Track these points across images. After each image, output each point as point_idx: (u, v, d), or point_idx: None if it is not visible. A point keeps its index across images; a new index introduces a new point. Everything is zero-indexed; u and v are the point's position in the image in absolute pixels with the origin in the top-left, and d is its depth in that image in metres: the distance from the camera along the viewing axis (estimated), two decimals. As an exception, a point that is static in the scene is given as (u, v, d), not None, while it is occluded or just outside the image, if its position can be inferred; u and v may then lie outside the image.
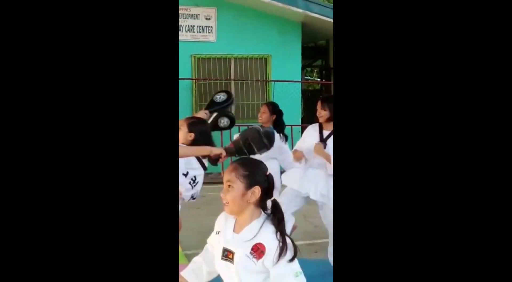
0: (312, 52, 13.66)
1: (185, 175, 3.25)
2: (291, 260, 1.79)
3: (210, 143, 3.22)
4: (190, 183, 3.28)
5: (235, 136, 3.28)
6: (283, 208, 1.98)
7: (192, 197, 3.33)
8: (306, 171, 3.87)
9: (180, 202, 3.22)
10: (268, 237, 1.80)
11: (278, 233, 1.80)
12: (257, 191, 1.82)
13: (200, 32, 9.21)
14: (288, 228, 3.59)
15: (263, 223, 1.84)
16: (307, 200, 3.93)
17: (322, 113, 3.84)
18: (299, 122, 9.33)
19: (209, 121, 3.70)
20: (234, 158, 3.33)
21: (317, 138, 3.82)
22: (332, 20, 9.12)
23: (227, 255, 1.85)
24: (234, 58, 9.47)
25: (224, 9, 9.22)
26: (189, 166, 3.26)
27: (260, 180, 1.85)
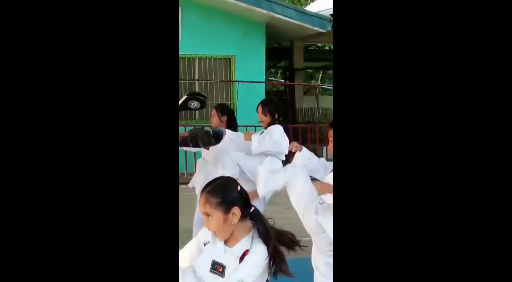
0: (276, 53, 13.71)
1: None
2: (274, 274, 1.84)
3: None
4: None
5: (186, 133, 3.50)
6: None
7: None
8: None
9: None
10: (258, 251, 1.82)
11: (267, 247, 1.83)
12: (236, 211, 1.83)
13: (164, 31, 9.12)
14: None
15: (253, 237, 1.85)
16: None
17: (263, 118, 3.86)
18: (263, 122, 9.36)
19: (179, 102, 3.86)
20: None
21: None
22: (295, 22, 9.22)
23: (217, 268, 1.85)
24: (198, 58, 9.44)
25: (188, 9, 9.17)
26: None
27: (235, 199, 1.85)
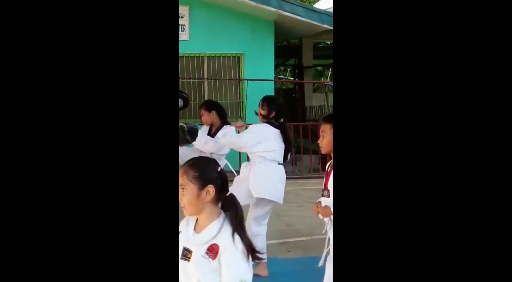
0: (285, 51, 13.70)
1: None
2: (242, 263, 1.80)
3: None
4: None
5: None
6: None
7: None
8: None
9: None
10: (226, 238, 1.81)
11: (236, 234, 1.80)
12: (211, 190, 1.82)
13: (172, 30, 9.14)
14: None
15: (222, 224, 1.84)
16: None
17: (261, 112, 3.88)
18: (272, 121, 9.37)
19: None
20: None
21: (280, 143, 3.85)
22: (304, 19, 9.20)
23: (186, 254, 1.85)
24: (207, 56, 9.44)
25: (197, 7, 9.18)
26: None
27: (212, 178, 1.85)
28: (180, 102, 3.98)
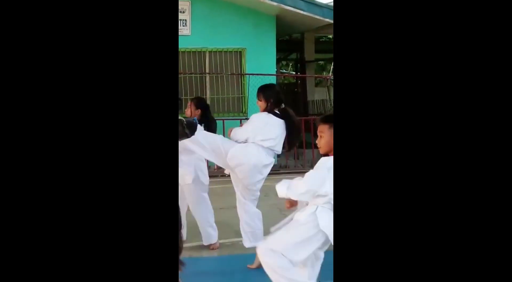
0: (287, 45, 13.68)
1: None
2: None
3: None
4: None
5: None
6: None
7: None
8: None
9: None
10: None
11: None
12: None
13: (174, 25, 9.12)
14: None
15: None
16: None
17: (259, 103, 3.86)
18: (275, 115, 9.36)
19: None
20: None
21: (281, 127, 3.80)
22: (306, 13, 9.17)
23: None
24: (209, 51, 9.43)
25: (198, 2, 9.16)
26: None
27: None
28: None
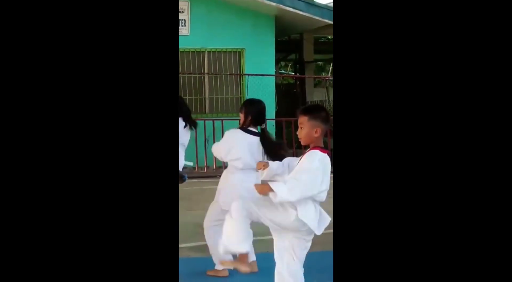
0: (286, 46, 13.67)
1: None
2: None
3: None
4: None
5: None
6: None
7: None
8: None
9: None
10: None
11: None
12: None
13: (173, 25, 9.11)
14: None
15: None
16: None
17: (240, 115, 3.69)
18: (273, 116, 9.34)
19: None
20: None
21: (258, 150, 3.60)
22: (304, 14, 9.17)
23: None
24: (207, 51, 9.42)
25: (197, 2, 9.16)
26: None
27: None
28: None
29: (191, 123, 3.94)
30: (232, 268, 3.15)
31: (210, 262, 3.98)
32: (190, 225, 4.47)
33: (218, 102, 9.44)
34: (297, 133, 2.72)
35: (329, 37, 15.52)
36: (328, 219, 2.62)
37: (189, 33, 9.19)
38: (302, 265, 2.69)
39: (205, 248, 4.20)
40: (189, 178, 7.98)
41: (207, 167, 8.47)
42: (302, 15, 9.28)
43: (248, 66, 9.48)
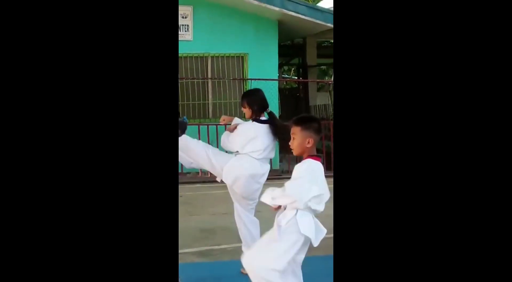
0: (289, 50, 13.69)
1: None
2: None
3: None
4: None
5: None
6: None
7: None
8: None
9: None
10: None
11: None
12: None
13: (176, 30, 9.14)
14: None
15: None
16: None
17: (244, 110, 3.77)
18: (277, 120, 9.36)
19: None
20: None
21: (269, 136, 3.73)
22: (307, 18, 9.19)
23: None
24: (211, 56, 9.44)
25: (200, 7, 9.18)
26: None
27: None
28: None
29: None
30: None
31: (213, 267, 3.98)
32: (194, 230, 4.47)
33: (221, 107, 9.46)
34: (289, 143, 2.73)
35: (332, 41, 15.54)
36: (324, 231, 2.61)
37: (192, 38, 9.22)
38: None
39: (208, 253, 4.21)
40: (192, 183, 8.02)
41: (210, 172, 8.47)
42: (305, 19, 9.29)
43: (251, 71, 9.49)
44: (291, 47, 13.84)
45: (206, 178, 8.22)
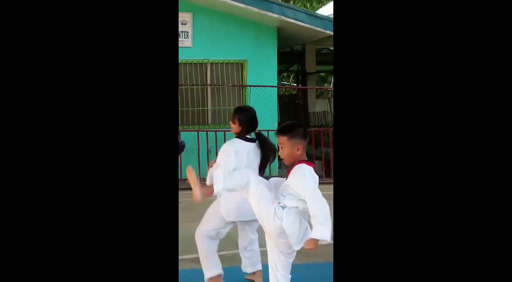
0: (288, 57, 13.72)
1: None
2: None
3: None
4: None
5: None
6: None
7: None
8: None
9: None
10: None
11: None
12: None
13: (176, 37, 9.15)
14: None
15: None
16: None
17: (232, 125, 3.67)
18: (276, 127, 9.35)
19: None
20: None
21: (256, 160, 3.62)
22: (307, 25, 9.21)
23: None
24: (210, 63, 9.46)
25: (200, 14, 9.21)
26: None
27: None
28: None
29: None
30: None
31: (212, 274, 3.96)
32: (193, 237, 4.46)
33: (220, 114, 9.46)
34: (279, 154, 2.72)
35: (331, 48, 15.56)
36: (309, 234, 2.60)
37: (192, 45, 9.24)
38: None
39: (207, 260, 4.19)
40: (191, 189, 7.99)
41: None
42: (304, 26, 9.32)
43: (250, 78, 9.51)
44: (290, 54, 13.87)
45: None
